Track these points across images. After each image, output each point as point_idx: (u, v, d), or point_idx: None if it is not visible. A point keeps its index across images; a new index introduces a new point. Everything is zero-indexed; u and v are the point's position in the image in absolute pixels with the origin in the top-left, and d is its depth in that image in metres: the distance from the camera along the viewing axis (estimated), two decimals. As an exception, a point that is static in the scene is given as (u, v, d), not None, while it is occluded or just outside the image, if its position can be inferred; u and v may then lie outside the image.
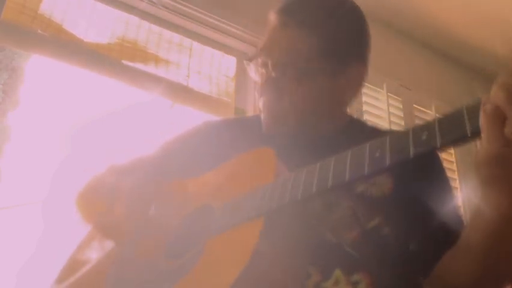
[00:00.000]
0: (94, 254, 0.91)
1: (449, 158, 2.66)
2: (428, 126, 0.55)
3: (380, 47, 2.80)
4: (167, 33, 2.14)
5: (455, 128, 0.52)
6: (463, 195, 2.51)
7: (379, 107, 2.56)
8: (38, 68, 1.86)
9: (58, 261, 0.97)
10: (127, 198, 0.85)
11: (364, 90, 2.54)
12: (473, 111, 0.52)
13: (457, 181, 2.62)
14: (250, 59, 0.94)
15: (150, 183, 0.89)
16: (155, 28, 2.11)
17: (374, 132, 0.98)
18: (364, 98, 2.51)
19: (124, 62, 1.97)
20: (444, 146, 0.53)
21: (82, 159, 1.59)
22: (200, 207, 0.83)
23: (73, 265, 0.93)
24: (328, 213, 0.79)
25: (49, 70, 1.88)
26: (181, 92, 2.06)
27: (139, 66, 2.00)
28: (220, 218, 0.75)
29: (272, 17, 0.92)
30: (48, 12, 1.85)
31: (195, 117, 2.05)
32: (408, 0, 2.71)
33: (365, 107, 2.49)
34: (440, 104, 2.75)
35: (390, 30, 2.86)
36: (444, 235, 0.80)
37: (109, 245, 0.90)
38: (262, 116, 0.92)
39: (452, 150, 2.63)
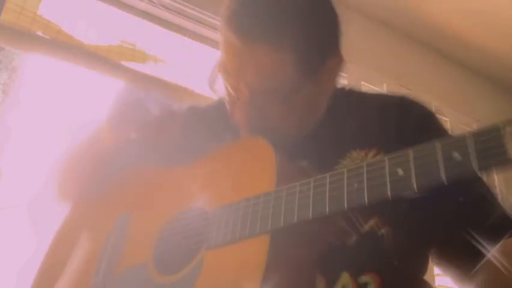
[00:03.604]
0: (72, 254, 0.85)
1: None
2: (459, 144, 0.46)
3: (380, 47, 2.83)
4: (167, 33, 2.14)
5: (493, 150, 0.43)
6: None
7: (379, 107, 2.56)
8: (38, 68, 1.86)
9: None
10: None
11: (364, 90, 2.54)
12: None
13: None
14: (216, 70, 0.82)
15: (133, 172, 0.83)
16: (155, 28, 2.11)
17: (362, 103, 0.88)
18: (364, 98, 2.50)
19: (124, 63, 1.97)
20: (483, 171, 0.44)
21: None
22: (192, 212, 0.75)
23: (48, 270, 0.87)
24: (325, 222, 0.71)
25: (49, 70, 1.88)
26: (181, 93, 2.06)
27: (139, 66, 2.00)
28: (219, 230, 0.67)
29: (230, 34, 0.79)
30: (47, 14, 1.85)
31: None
32: (409, 1, 2.71)
33: (365, 107, 2.49)
34: (440, 104, 2.75)
35: (390, 30, 2.86)
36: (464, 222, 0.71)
37: (85, 244, 0.84)
38: (241, 124, 0.80)
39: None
